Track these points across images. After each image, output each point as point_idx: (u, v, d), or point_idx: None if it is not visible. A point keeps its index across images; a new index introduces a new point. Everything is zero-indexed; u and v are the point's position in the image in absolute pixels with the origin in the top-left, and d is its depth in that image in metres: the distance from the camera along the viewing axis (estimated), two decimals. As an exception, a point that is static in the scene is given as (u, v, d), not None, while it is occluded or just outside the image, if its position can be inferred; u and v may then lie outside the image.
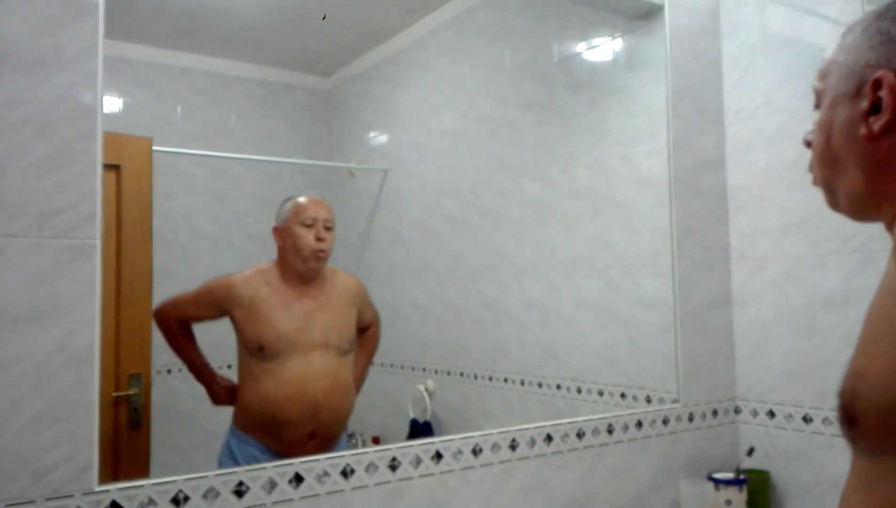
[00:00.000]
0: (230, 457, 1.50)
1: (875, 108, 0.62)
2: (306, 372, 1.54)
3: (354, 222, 2.41)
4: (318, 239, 1.62)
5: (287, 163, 2.29)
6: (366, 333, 1.75)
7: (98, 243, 1.04)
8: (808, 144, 0.73)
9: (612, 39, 1.83)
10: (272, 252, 2.35)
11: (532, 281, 1.93)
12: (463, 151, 2.12)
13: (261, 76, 2.23)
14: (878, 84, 0.62)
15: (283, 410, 1.50)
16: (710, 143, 1.88)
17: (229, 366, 1.59)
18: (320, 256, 1.62)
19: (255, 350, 1.52)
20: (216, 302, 1.56)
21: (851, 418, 0.58)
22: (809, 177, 0.75)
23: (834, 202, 0.71)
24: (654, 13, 1.72)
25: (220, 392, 1.57)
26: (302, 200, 1.67)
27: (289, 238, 1.62)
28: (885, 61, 0.63)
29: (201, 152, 2.06)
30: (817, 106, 0.72)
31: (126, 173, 1.58)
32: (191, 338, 1.56)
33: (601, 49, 1.86)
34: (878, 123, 0.62)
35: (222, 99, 2.16)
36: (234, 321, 1.53)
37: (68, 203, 1.02)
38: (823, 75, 0.71)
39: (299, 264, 1.61)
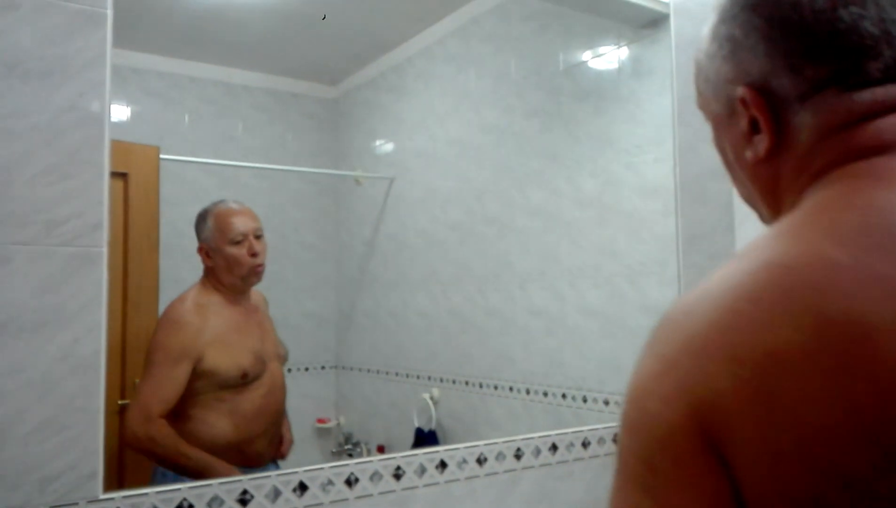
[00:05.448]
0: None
1: (754, 124, 0.56)
2: (273, 383, 1.58)
3: (360, 230, 2.42)
4: (253, 254, 1.54)
5: (294, 171, 2.30)
6: None
7: (105, 251, 1.05)
8: None
9: (618, 48, 1.83)
10: (279, 261, 2.36)
11: (537, 289, 1.92)
12: (468, 159, 2.12)
13: (268, 85, 2.25)
14: (745, 103, 0.56)
15: (257, 423, 1.52)
16: (715, 151, 1.87)
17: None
18: (259, 271, 1.57)
19: (235, 379, 1.48)
20: (187, 352, 1.43)
21: None
22: None
23: (765, 221, 0.63)
24: (659, 22, 1.72)
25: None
26: (224, 213, 1.56)
27: (220, 259, 1.53)
28: (742, 74, 0.56)
29: (208, 161, 2.08)
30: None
31: (133, 182, 1.59)
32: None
33: (607, 57, 1.86)
34: (762, 146, 0.56)
35: (229, 108, 2.17)
36: (203, 362, 1.44)
37: (75, 211, 1.02)
38: (698, 93, 0.66)
39: (238, 282, 1.55)
